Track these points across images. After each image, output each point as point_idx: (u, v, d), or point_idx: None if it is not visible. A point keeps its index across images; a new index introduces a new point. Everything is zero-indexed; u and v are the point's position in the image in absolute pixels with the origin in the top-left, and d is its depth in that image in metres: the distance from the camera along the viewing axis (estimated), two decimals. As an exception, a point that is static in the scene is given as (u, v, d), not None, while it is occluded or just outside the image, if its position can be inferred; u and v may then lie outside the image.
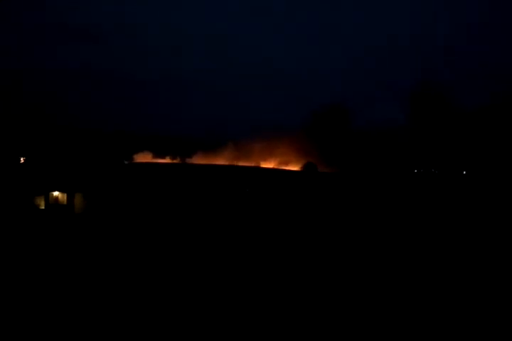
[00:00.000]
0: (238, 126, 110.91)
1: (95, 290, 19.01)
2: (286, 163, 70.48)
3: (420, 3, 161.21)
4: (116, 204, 45.48)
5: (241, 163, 72.08)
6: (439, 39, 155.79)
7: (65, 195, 46.38)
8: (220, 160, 73.58)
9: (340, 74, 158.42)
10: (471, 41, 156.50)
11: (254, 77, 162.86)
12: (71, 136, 68.18)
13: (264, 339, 13.36)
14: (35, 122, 66.87)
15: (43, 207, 45.57)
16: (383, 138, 69.96)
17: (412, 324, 14.57)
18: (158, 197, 47.33)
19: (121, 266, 23.61)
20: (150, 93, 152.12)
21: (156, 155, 75.85)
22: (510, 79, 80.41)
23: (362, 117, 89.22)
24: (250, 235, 34.17)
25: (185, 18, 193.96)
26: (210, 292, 18.81)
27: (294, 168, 65.84)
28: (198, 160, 75.97)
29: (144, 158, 72.35)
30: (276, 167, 70.17)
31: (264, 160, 73.83)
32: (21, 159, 57.22)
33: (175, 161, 75.52)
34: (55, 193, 46.20)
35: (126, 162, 64.72)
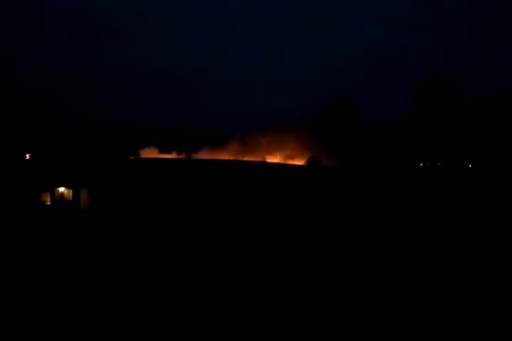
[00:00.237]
0: (243, 121, 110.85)
1: (100, 286, 19.12)
2: (292, 158, 70.46)
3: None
4: (122, 200, 45.65)
5: (246, 158, 72.17)
6: (445, 31, 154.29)
7: (71, 190, 46.57)
8: (226, 155, 73.67)
9: (345, 67, 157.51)
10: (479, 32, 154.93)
11: (259, 72, 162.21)
12: (76, 132, 68.40)
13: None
14: (40, 118, 67.25)
15: (49, 203, 45.81)
16: (388, 132, 69.62)
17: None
18: (164, 192, 47.46)
19: (126, 261, 23.72)
20: (155, 89, 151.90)
21: (162, 151, 76.04)
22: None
23: (368, 110, 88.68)
24: (256, 230, 34.21)
25: (187, 15, 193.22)
26: (214, 288, 18.89)
27: (299, 162, 65.78)
28: (204, 155, 76.12)
29: (149, 153, 72.58)
30: (281, 161, 70.16)
31: (270, 154, 73.85)
32: (27, 155, 57.47)
33: (180, 156, 75.70)
34: (61, 189, 46.42)
35: (131, 157, 64.87)
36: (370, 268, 22.23)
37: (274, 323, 14.62)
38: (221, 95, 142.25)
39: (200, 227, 35.53)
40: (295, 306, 16.39)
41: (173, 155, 75.41)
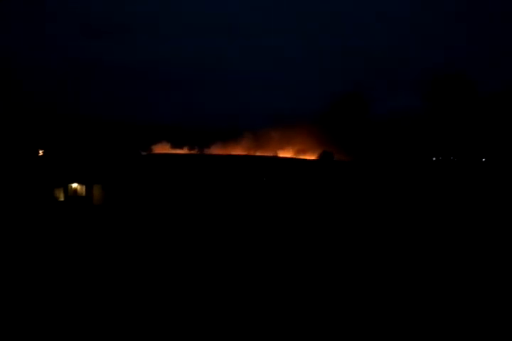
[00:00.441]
0: (255, 116, 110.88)
1: (114, 281, 19.27)
2: (304, 152, 70.35)
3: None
4: (135, 196, 45.91)
5: (259, 153, 72.24)
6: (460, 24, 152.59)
7: (84, 186, 46.95)
8: (238, 151, 73.79)
9: (357, 61, 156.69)
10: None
11: (272, 66, 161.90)
12: (89, 128, 68.90)
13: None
14: (53, 116, 67.86)
15: (62, 199, 46.26)
16: (401, 126, 69.18)
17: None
18: (177, 187, 47.65)
19: (140, 256, 23.87)
20: (168, 84, 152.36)
21: (174, 146, 76.33)
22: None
23: (380, 105, 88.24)
24: (267, 224, 34.22)
25: (190, 15, 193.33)
26: (225, 281, 18.98)
27: (311, 157, 65.64)
28: (217, 150, 76.31)
29: (162, 149, 72.92)
30: (293, 156, 70.08)
31: (282, 149, 73.81)
32: (40, 152, 58.04)
33: (193, 152, 75.95)
34: (74, 185, 46.81)
35: (144, 153, 65.21)
36: (381, 262, 22.15)
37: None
38: (232, 93, 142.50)
39: (213, 222, 35.61)
40: (303, 301, 16.42)
41: (185, 151, 75.70)
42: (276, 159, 65.11)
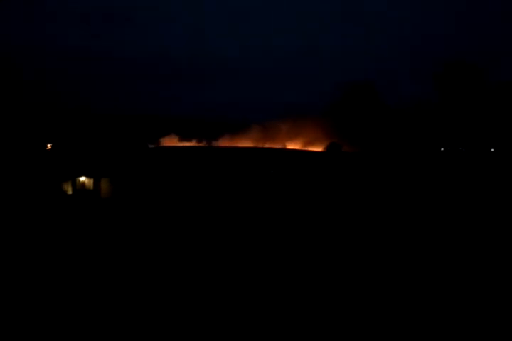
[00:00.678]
0: (263, 108, 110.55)
1: (123, 274, 19.32)
2: (312, 144, 69.99)
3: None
4: (143, 188, 45.95)
5: (267, 145, 72.00)
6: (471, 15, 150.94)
7: (92, 180, 47.07)
8: (246, 143, 73.58)
9: (366, 51, 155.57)
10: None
11: (278, 57, 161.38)
12: (97, 121, 68.99)
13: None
14: (60, 109, 67.94)
15: (70, 193, 46.45)
16: (409, 116, 68.53)
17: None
18: (184, 180, 47.63)
19: (148, 250, 23.92)
20: (176, 76, 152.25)
21: (182, 139, 76.24)
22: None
23: (389, 94, 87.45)
24: (274, 217, 34.16)
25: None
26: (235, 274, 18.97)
27: (319, 148, 65.27)
28: (225, 143, 76.14)
29: (170, 141, 72.86)
30: (301, 148, 69.76)
31: (290, 141, 73.49)
32: (48, 145, 58.26)
33: (201, 144, 75.85)
34: (82, 178, 46.95)
35: (151, 146, 65.22)
36: (389, 255, 22.03)
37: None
38: (241, 84, 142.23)
39: (222, 215, 35.60)
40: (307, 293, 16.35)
41: (193, 143, 75.61)
42: (284, 151, 64.85)
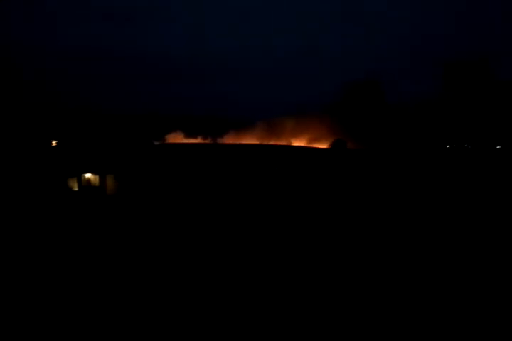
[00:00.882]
0: (268, 105, 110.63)
1: (129, 270, 19.48)
2: (317, 140, 69.96)
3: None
4: (148, 185, 46.09)
5: (272, 142, 72.03)
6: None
7: (97, 176, 47.27)
8: (252, 140, 73.63)
9: (371, 48, 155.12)
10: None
11: (284, 56, 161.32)
12: (102, 118, 69.25)
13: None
14: (66, 107, 68.30)
15: (76, 189, 46.70)
16: (415, 113, 68.30)
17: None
18: (189, 176, 47.73)
19: (153, 246, 24.06)
20: (181, 74, 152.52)
21: (188, 136, 76.39)
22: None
23: (394, 92, 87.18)
24: (279, 214, 34.19)
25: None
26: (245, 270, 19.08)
27: (325, 145, 65.24)
28: (230, 139, 76.22)
29: (175, 138, 73.04)
30: (306, 145, 69.73)
31: (295, 138, 73.50)
32: (54, 142, 58.55)
33: (206, 141, 75.95)
34: (88, 175, 47.16)
35: (156, 143, 65.39)
36: (394, 251, 22.07)
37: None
38: (246, 83, 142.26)
39: (226, 211, 35.65)
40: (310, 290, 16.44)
41: (198, 140, 75.73)
42: (288, 148, 64.84)
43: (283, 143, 70.42)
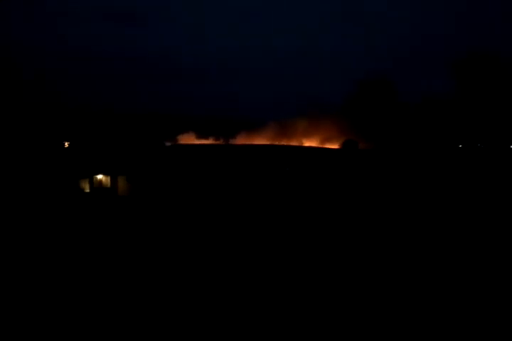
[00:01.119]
0: (281, 105, 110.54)
1: (142, 270, 19.58)
2: (329, 141, 69.72)
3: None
4: (160, 186, 46.25)
5: (284, 142, 71.96)
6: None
7: (109, 178, 47.50)
8: (263, 140, 73.65)
9: (384, 47, 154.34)
10: None
11: (296, 56, 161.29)
12: (114, 119, 69.66)
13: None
14: (78, 108, 68.79)
15: (87, 190, 46.98)
16: (428, 112, 67.67)
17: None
18: (201, 177, 47.82)
19: (165, 246, 24.15)
20: (193, 75, 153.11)
21: (200, 136, 76.66)
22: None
23: (407, 90, 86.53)
24: (289, 215, 34.13)
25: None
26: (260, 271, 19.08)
27: (336, 145, 64.99)
28: (242, 140, 76.31)
29: (187, 139, 73.33)
30: (318, 145, 69.52)
31: (307, 138, 73.34)
32: (66, 144, 59.02)
33: (218, 142, 76.12)
34: (99, 176, 47.41)
35: (168, 144, 65.63)
36: (401, 250, 21.92)
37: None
38: (258, 82, 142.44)
39: (238, 212, 35.66)
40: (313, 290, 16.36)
41: (210, 141, 75.95)
42: (299, 148, 64.67)
43: (294, 143, 70.28)
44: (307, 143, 70.98)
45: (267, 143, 71.10)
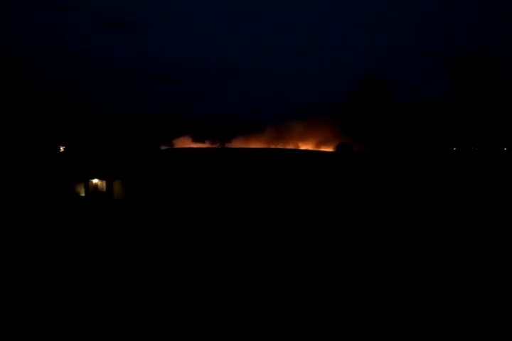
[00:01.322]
0: (276, 109, 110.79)
1: (138, 273, 19.66)
2: (325, 144, 69.87)
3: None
4: (155, 190, 46.24)
5: (280, 146, 72.10)
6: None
7: (104, 182, 47.52)
8: (260, 144, 73.75)
9: (380, 50, 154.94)
10: None
11: (292, 60, 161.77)
12: (109, 124, 69.71)
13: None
14: (73, 112, 68.77)
15: (83, 195, 47.00)
16: (423, 115, 67.91)
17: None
18: (196, 181, 47.84)
19: (160, 250, 24.21)
20: (190, 79, 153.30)
21: (196, 140, 76.67)
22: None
23: (404, 91, 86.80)
24: (285, 217, 34.21)
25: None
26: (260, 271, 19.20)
27: (332, 148, 65.16)
28: (238, 144, 76.36)
29: (183, 142, 73.30)
30: (314, 148, 69.67)
31: (303, 141, 73.48)
32: (61, 148, 59.08)
33: (214, 145, 76.13)
34: (95, 181, 47.43)
35: (163, 148, 65.69)
36: (399, 251, 22.05)
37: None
38: (254, 85, 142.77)
39: (233, 215, 35.71)
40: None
41: (206, 144, 75.96)
42: (295, 152, 64.81)
43: (290, 147, 70.42)
44: (303, 147, 71.14)
45: (263, 146, 71.23)
